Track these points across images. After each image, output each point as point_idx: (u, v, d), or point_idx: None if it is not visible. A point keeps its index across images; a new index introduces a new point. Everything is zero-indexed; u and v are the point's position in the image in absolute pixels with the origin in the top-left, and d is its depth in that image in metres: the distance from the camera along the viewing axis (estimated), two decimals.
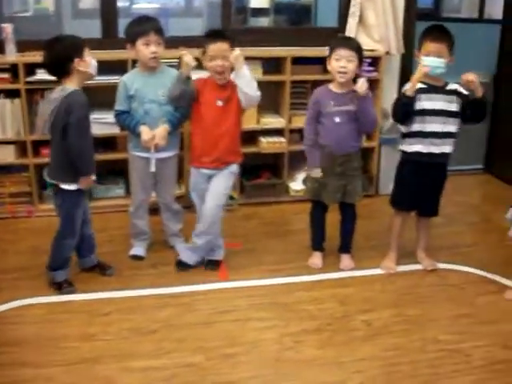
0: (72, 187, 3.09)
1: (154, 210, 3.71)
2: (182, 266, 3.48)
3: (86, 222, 3.31)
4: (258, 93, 3.24)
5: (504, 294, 3.35)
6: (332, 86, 3.29)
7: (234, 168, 3.39)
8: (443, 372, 2.70)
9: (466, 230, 4.23)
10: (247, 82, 3.18)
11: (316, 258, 3.59)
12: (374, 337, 2.93)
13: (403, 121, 3.31)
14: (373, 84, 4.23)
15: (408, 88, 3.20)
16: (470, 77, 3.13)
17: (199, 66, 3.31)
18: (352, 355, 2.79)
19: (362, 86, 3.18)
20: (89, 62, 3.06)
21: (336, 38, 3.40)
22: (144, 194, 3.53)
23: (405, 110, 3.24)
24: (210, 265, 3.50)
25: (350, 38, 3.59)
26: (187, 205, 3.99)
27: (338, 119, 3.29)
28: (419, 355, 2.81)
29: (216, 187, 3.34)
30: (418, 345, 2.88)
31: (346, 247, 3.62)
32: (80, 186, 3.11)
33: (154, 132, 3.30)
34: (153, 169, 3.38)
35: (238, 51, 3.13)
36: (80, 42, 3.06)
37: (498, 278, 3.53)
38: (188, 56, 3.21)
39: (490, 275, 3.56)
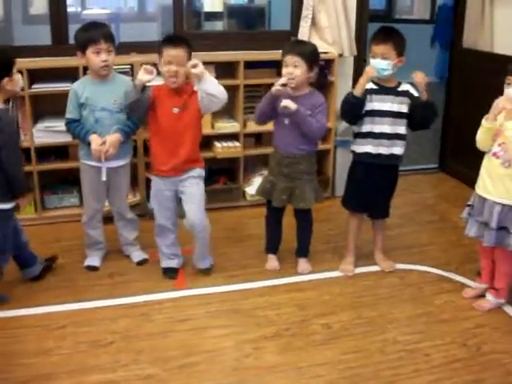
0: (7, 206, 3.01)
1: (109, 219, 3.64)
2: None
3: (18, 232, 3.23)
4: (226, 95, 3.19)
5: (461, 292, 3.38)
6: (289, 89, 3.27)
7: (199, 171, 3.34)
8: (403, 373, 2.70)
9: (423, 229, 4.25)
10: (215, 86, 3.14)
11: (272, 261, 3.57)
12: (334, 340, 2.91)
13: (352, 121, 3.33)
14: (327, 86, 4.24)
15: (356, 88, 3.21)
16: (419, 77, 3.16)
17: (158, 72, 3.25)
18: (312, 360, 2.76)
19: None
20: (17, 80, 3.00)
21: (288, 42, 3.36)
22: (97, 203, 3.45)
23: (353, 111, 3.25)
24: (169, 272, 3.45)
25: (299, 43, 3.54)
26: (142, 213, 3.93)
27: (287, 121, 3.27)
28: (379, 357, 2.80)
29: (191, 194, 3.30)
30: (378, 346, 2.88)
31: (302, 251, 3.60)
32: (20, 204, 3.06)
33: (105, 138, 3.22)
34: (104, 178, 3.31)
35: (200, 67, 3.07)
36: (10, 61, 2.97)
37: (455, 276, 3.57)
38: (141, 72, 3.12)
39: (447, 274, 3.59)
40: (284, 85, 3.16)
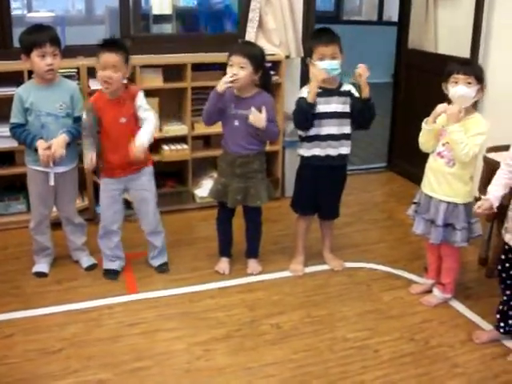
0: None
1: (57, 225, 3.58)
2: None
3: None
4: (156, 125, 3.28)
5: (409, 288, 3.44)
6: (235, 90, 3.28)
7: (148, 169, 3.38)
8: (353, 369, 2.74)
9: (372, 227, 4.32)
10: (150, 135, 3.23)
11: (223, 264, 3.57)
12: (284, 340, 2.94)
13: (304, 127, 3.34)
14: (274, 88, 4.25)
15: (309, 96, 3.22)
16: (362, 69, 3.21)
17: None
18: (262, 360, 2.78)
19: (256, 120, 3.20)
20: None
21: (236, 43, 3.37)
22: (44, 208, 3.40)
23: (306, 117, 3.27)
24: (110, 274, 3.44)
25: (247, 45, 3.56)
26: (90, 217, 3.89)
27: (237, 122, 3.29)
28: (329, 355, 2.84)
29: (142, 191, 3.36)
30: (328, 344, 2.91)
31: (252, 252, 3.61)
32: None
33: (51, 142, 3.18)
34: (52, 183, 3.26)
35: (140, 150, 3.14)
36: None
37: (402, 273, 3.63)
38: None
39: (395, 271, 3.65)
40: (229, 82, 3.16)
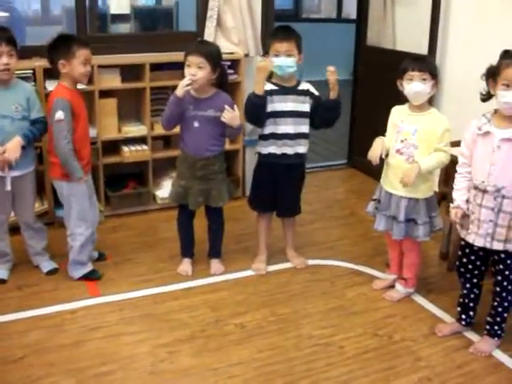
0: None
1: (15, 229, 3.51)
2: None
3: None
4: None
5: (372, 284, 3.47)
6: (193, 92, 3.24)
7: None
8: (318, 367, 2.74)
9: (334, 224, 4.35)
10: None
11: (185, 265, 3.54)
12: (249, 339, 2.93)
13: (256, 121, 3.34)
14: (234, 86, 4.25)
15: (255, 87, 3.21)
16: (330, 73, 3.21)
17: None
18: (227, 360, 2.77)
19: (231, 118, 3.19)
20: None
21: (192, 42, 3.34)
22: (2, 214, 3.32)
23: (257, 111, 3.26)
24: (95, 273, 3.44)
25: (203, 43, 3.52)
26: (50, 221, 3.82)
27: (196, 124, 3.25)
28: (294, 353, 2.84)
29: (92, 185, 3.44)
30: (293, 342, 2.91)
31: (215, 252, 3.60)
32: None
33: (5, 147, 3.10)
34: (8, 188, 3.18)
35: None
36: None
37: (365, 269, 3.66)
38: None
39: (357, 267, 3.68)
40: (188, 85, 3.13)
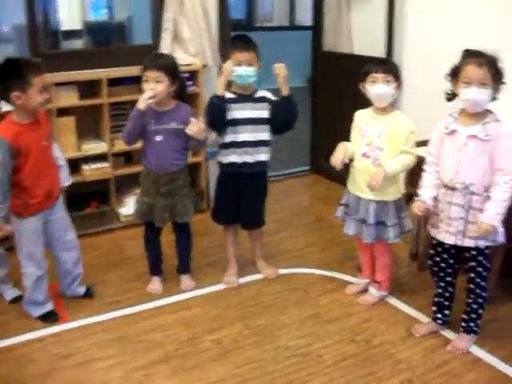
0: None
1: None
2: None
3: None
4: None
5: (345, 289, 3.44)
6: (153, 105, 3.17)
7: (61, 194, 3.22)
8: (298, 377, 2.70)
9: (301, 232, 4.31)
10: None
11: (155, 283, 3.46)
12: (226, 355, 2.86)
13: (217, 125, 3.28)
14: (193, 98, 4.19)
15: (218, 89, 3.19)
16: (279, 69, 3.19)
17: None
18: (206, 378, 2.69)
19: (198, 132, 3.13)
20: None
21: (147, 56, 3.27)
22: None
23: (217, 113, 3.22)
24: (52, 315, 3.20)
25: (159, 57, 3.42)
26: (11, 246, 3.69)
27: (158, 138, 3.18)
28: (273, 365, 2.78)
29: (63, 218, 3.20)
30: (271, 355, 2.86)
31: (184, 267, 3.52)
32: None
33: None
34: None
35: None
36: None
37: (336, 274, 3.63)
38: None
39: (329, 273, 3.65)
40: (150, 97, 3.06)
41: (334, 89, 5.04)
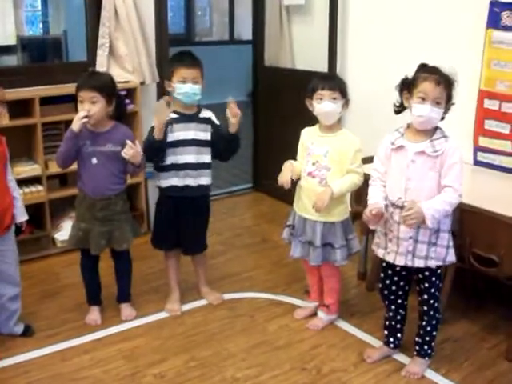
0: None
1: None
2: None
3: None
4: None
5: (293, 313, 3.33)
6: (89, 126, 3.00)
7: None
8: None
9: (246, 253, 4.19)
10: None
11: (93, 314, 3.26)
12: None
13: (156, 160, 3.16)
14: (130, 116, 4.02)
15: (155, 132, 3.01)
16: (235, 110, 3.06)
17: None
18: None
19: (133, 156, 2.97)
20: None
21: (81, 75, 3.09)
22: None
23: (156, 153, 3.10)
24: None
25: (94, 75, 3.22)
26: None
27: (94, 160, 3.01)
28: None
29: (11, 253, 3.01)
30: None
31: (124, 296, 3.34)
32: None
33: None
34: None
35: None
36: None
37: (284, 298, 3.52)
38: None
39: (276, 297, 3.53)
40: (84, 117, 2.89)
41: (276, 104, 4.97)
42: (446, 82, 2.55)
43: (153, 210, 4.24)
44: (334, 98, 2.91)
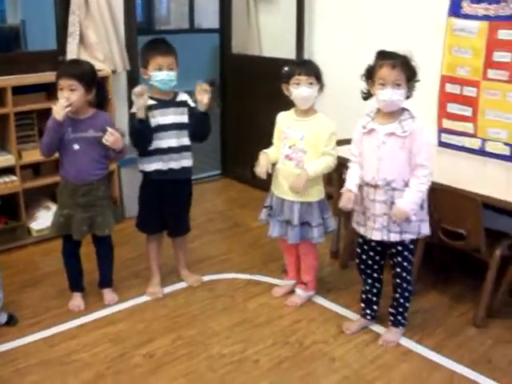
0: None
1: None
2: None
3: None
4: None
5: (271, 291, 3.44)
6: (70, 113, 3.02)
7: None
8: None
9: (220, 237, 4.28)
10: None
11: (76, 300, 3.30)
12: (160, 368, 2.77)
13: (145, 145, 3.19)
14: (106, 104, 4.03)
15: (138, 113, 3.07)
16: (204, 86, 3.15)
17: None
18: None
19: (114, 142, 3.01)
20: None
21: (63, 63, 3.10)
22: None
23: (144, 135, 3.14)
24: None
25: (74, 64, 3.23)
26: None
27: (76, 146, 3.05)
28: (210, 375, 2.73)
29: None
30: (206, 364, 2.80)
31: (106, 281, 3.38)
32: None
33: None
34: None
35: None
36: None
37: (261, 278, 3.62)
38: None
39: (253, 277, 3.63)
40: (68, 106, 2.92)
41: (244, 91, 5.05)
42: (401, 64, 2.67)
43: (126, 196, 4.33)
44: (311, 83, 3.02)
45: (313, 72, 3.03)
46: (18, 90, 3.88)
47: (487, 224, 3.02)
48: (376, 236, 2.84)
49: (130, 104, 3.28)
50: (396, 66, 2.66)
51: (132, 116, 3.13)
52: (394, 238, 2.81)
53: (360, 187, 2.85)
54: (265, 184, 3.37)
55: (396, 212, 2.73)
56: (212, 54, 6.50)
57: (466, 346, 2.95)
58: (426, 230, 2.85)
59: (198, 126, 3.24)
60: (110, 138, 2.99)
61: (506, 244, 3.10)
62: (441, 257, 3.63)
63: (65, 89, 2.95)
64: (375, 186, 2.78)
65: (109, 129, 3.00)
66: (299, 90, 3.01)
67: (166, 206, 3.32)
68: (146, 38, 3.39)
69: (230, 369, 2.77)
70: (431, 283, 3.51)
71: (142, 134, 3.13)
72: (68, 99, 2.93)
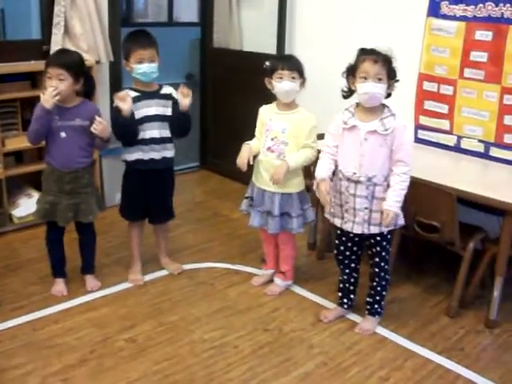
0: None
1: None
2: None
3: None
4: None
5: (251, 281, 3.53)
6: (57, 101, 3.05)
7: None
8: (218, 369, 2.74)
9: (200, 227, 4.35)
10: None
11: (59, 285, 3.34)
12: (143, 352, 2.84)
13: (130, 140, 3.25)
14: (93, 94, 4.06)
15: (123, 111, 3.13)
16: (186, 91, 3.22)
17: None
18: (126, 378, 2.66)
19: (102, 130, 3.06)
20: None
21: (53, 53, 3.13)
22: None
23: (130, 131, 3.20)
24: None
25: (63, 53, 3.26)
26: None
27: (63, 134, 3.09)
28: (192, 359, 2.80)
29: None
30: (188, 349, 2.88)
31: (89, 267, 3.44)
32: None
33: None
34: None
35: None
36: None
37: (240, 267, 3.71)
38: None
39: (233, 266, 3.72)
40: (56, 94, 2.96)
41: (225, 84, 5.10)
42: (383, 60, 2.77)
43: (107, 186, 4.37)
44: (293, 78, 3.11)
45: (295, 67, 3.12)
46: (1, 79, 3.89)
47: (461, 218, 3.13)
48: (357, 230, 2.93)
49: (112, 94, 3.31)
50: (378, 61, 2.75)
51: (115, 110, 3.17)
52: (374, 230, 2.91)
53: (336, 180, 2.95)
54: (243, 176, 3.45)
55: (385, 217, 2.83)
56: (192, 47, 6.50)
57: (439, 334, 3.07)
58: (401, 220, 2.95)
59: (177, 123, 3.31)
60: (99, 126, 3.04)
61: (479, 238, 3.23)
62: (415, 249, 3.74)
63: (53, 77, 2.99)
64: (356, 182, 2.87)
65: (97, 118, 3.05)
66: (282, 83, 3.09)
67: (149, 193, 3.38)
68: (127, 29, 3.43)
69: (211, 353, 2.85)
70: (406, 275, 3.63)
71: (127, 128, 3.19)
72: (56, 88, 2.97)
